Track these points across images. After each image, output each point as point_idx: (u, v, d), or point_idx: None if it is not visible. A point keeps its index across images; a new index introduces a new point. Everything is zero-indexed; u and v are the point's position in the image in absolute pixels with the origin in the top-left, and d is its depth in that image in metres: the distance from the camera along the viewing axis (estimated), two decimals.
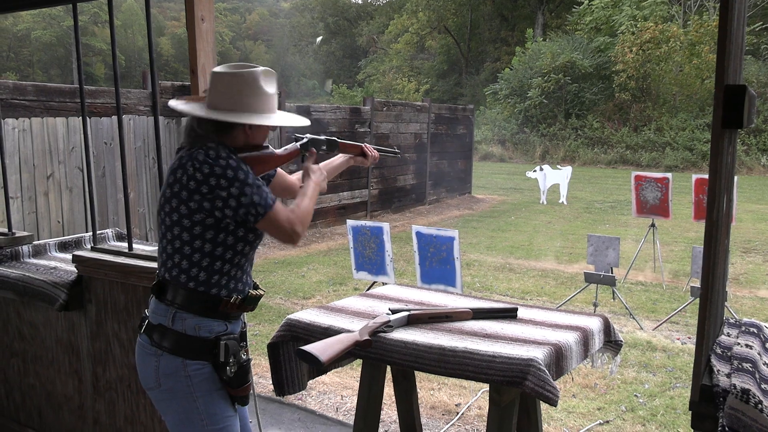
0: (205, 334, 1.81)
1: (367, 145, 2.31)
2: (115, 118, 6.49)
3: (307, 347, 1.88)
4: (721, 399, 1.35)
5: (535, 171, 13.74)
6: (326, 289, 6.72)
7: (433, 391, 4.11)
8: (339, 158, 2.30)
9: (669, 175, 7.02)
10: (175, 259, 1.81)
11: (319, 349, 1.88)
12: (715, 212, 1.37)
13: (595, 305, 5.67)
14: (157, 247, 1.88)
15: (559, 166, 14.36)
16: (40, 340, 2.95)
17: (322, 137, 2.15)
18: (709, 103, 22.59)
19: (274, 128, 1.92)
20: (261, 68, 1.86)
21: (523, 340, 1.92)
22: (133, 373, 2.58)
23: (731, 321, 1.79)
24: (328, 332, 2.12)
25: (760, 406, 1.31)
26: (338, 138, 2.21)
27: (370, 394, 2.43)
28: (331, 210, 10.41)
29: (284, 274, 7.48)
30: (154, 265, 2.45)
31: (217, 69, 1.86)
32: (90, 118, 6.21)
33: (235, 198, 1.72)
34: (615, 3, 27.24)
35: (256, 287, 1.98)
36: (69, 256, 2.99)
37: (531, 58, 27.45)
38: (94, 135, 6.28)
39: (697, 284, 5.29)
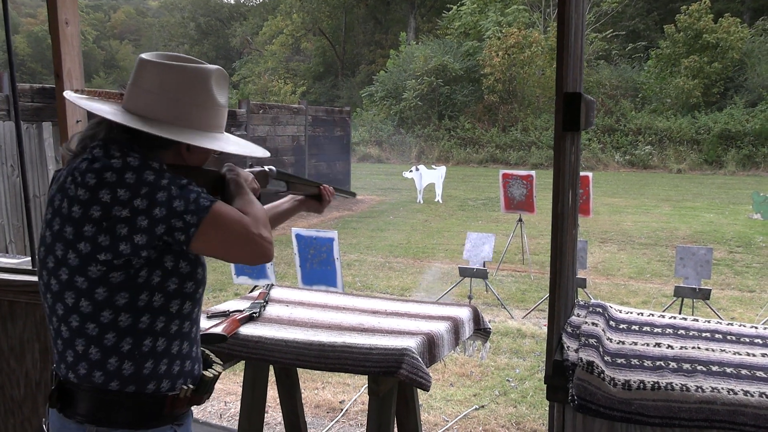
0: None
1: (326, 186, 1.91)
2: None
3: (210, 330, 2.02)
4: (571, 371, 1.52)
5: (411, 171, 14.12)
6: (205, 296, 6.59)
7: (317, 390, 4.17)
8: (288, 201, 1.85)
9: (533, 172, 7.48)
10: (78, 346, 1.20)
11: (221, 328, 2.06)
12: (559, 206, 1.53)
13: (470, 298, 5.96)
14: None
15: (433, 166, 14.85)
16: None
17: (274, 169, 1.66)
18: None
19: (218, 153, 1.37)
20: (213, 67, 1.35)
21: (398, 332, 2.03)
22: None
23: (581, 303, 1.99)
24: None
25: (602, 375, 1.48)
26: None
27: (253, 395, 2.45)
28: None
29: None
30: (10, 276, 2.34)
31: (148, 56, 1.31)
32: None
33: (145, 213, 1.13)
34: (481, 9, 28.52)
35: (207, 362, 1.40)
36: None
37: (405, 60, 28.16)
38: None
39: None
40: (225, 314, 2.26)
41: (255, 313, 2.27)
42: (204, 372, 1.34)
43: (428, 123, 26.30)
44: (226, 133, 1.39)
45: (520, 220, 7.54)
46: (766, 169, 20.04)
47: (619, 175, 20.11)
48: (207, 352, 1.42)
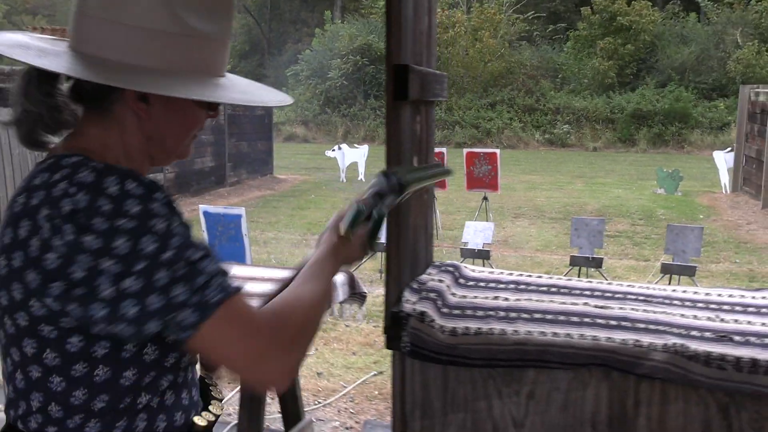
0: None
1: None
2: None
3: None
4: (405, 322, 1.65)
5: (333, 150, 14.20)
6: None
7: None
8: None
9: (444, 149, 7.70)
10: (34, 401, 0.89)
11: None
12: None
13: (381, 272, 6.12)
14: None
15: (356, 145, 14.96)
16: None
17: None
18: (492, 84, 24.81)
19: (215, 113, 0.99)
20: None
21: (262, 295, 2.13)
22: None
23: (436, 263, 2.13)
24: None
25: (432, 323, 1.63)
26: None
27: None
28: None
29: None
30: None
31: None
32: None
33: (136, 295, 0.80)
34: None
35: (207, 399, 1.07)
36: None
37: (330, 39, 28.01)
38: None
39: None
40: None
41: None
42: (195, 420, 1.01)
43: (354, 102, 26.32)
44: (226, 77, 0.97)
45: (434, 195, 7.74)
46: (674, 147, 21.10)
47: (539, 154, 20.75)
48: (208, 383, 1.10)
